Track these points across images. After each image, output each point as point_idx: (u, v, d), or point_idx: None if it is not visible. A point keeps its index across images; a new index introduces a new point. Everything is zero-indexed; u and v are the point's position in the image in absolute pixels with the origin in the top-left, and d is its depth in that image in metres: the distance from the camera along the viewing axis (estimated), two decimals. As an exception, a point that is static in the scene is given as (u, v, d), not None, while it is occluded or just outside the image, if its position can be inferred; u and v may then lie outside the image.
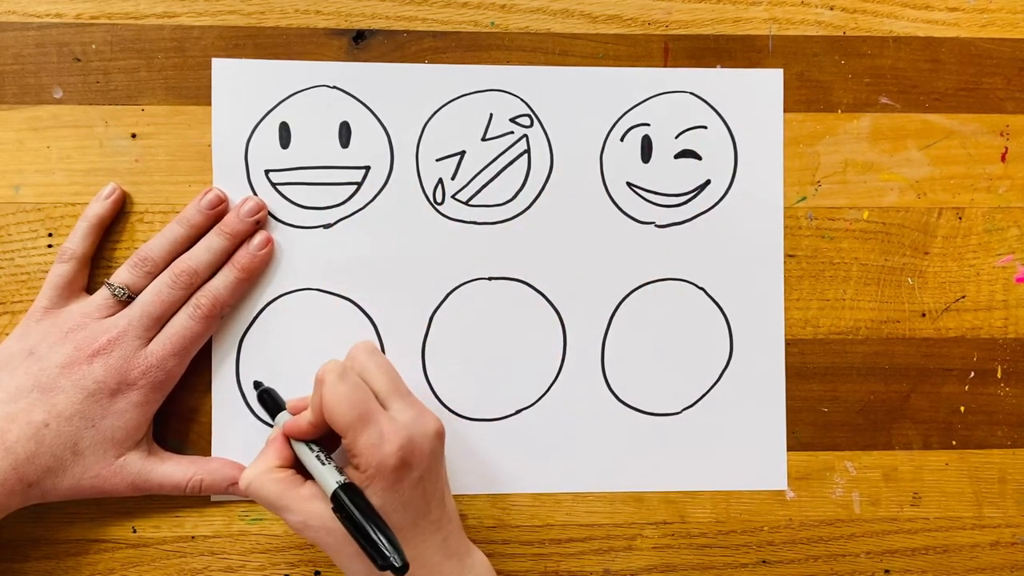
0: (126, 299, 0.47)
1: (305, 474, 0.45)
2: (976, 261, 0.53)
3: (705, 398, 0.52)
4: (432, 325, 0.51)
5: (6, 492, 0.44)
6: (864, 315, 0.53)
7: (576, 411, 0.52)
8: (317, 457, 0.45)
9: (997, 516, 0.53)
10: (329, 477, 0.43)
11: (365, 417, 0.43)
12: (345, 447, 0.44)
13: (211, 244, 0.49)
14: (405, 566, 0.40)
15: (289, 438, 0.46)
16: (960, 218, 0.53)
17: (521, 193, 0.52)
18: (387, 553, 0.40)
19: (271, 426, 0.51)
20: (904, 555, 0.53)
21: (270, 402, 0.49)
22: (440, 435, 0.46)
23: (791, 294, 0.53)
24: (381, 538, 0.41)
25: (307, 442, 0.46)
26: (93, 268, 0.50)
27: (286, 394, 0.50)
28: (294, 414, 0.47)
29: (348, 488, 0.43)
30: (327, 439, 0.46)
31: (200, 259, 0.48)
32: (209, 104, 0.50)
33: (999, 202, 0.53)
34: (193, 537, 0.50)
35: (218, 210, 0.49)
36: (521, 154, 0.52)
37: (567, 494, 0.52)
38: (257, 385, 0.50)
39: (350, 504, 0.42)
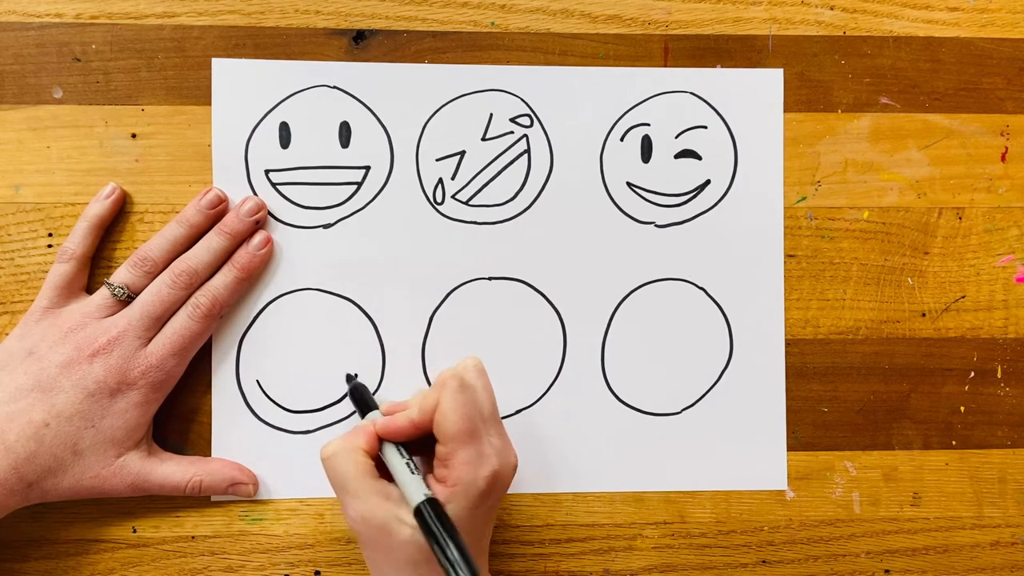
0: (126, 299, 0.47)
1: (382, 471, 0.45)
2: (976, 261, 0.53)
3: (705, 398, 0.52)
4: (432, 325, 0.51)
5: (6, 492, 0.44)
6: (864, 315, 0.53)
7: (576, 411, 0.52)
8: (408, 464, 0.44)
9: (997, 516, 0.53)
10: (417, 486, 0.43)
11: (473, 433, 0.43)
12: (440, 456, 0.43)
13: (211, 244, 0.49)
14: None
15: (382, 437, 0.45)
16: (960, 218, 0.53)
17: (521, 193, 0.52)
18: (466, 573, 0.40)
19: (272, 426, 0.51)
20: (904, 555, 0.53)
21: (361, 399, 0.48)
22: (515, 469, 0.45)
23: (791, 294, 0.53)
24: (462, 557, 0.40)
25: (398, 446, 0.45)
26: (93, 268, 0.50)
27: (286, 395, 0.50)
28: (387, 415, 0.46)
29: (433, 503, 0.42)
30: (412, 445, 0.46)
31: (200, 259, 0.48)
32: (209, 104, 0.50)
33: (999, 202, 0.53)
34: (193, 537, 0.50)
35: (218, 210, 0.49)
36: (521, 154, 0.52)
37: (567, 494, 0.52)
38: (349, 378, 0.50)
39: (436, 520, 0.41)
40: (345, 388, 0.51)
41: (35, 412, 0.45)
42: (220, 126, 0.50)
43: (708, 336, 0.52)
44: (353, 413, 0.51)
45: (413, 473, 0.43)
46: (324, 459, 0.44)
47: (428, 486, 0.43)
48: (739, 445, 0.52)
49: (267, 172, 0.51)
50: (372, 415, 0.47)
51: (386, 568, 0.43)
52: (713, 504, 0.52)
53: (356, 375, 0.50)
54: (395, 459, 0.44)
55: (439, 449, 0.44)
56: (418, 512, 0.42)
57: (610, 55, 0.52)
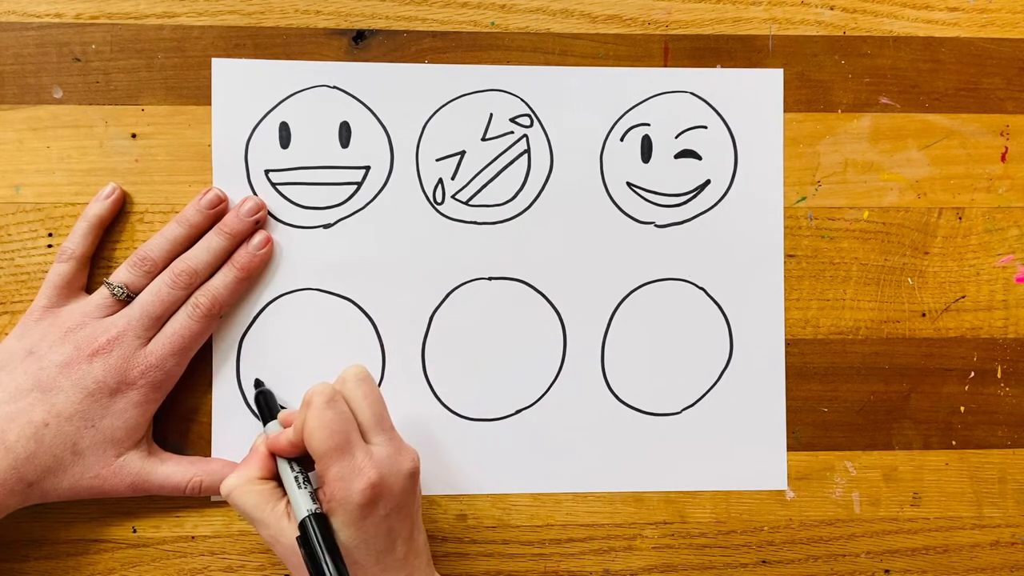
0: (125, 298, 0.47)
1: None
2: (976, 261, 0.53)
3: (705, 398, 0.52)
4: (432, 325, 0.51)
5: (6, 492, 0.44)
6: (864, 315, 0.53)
7: (576, 411, 0.52)
8: (295, 478, 0.44)
9: (997, 516, 0.53)
10: (302, 502, 0.43)
11: (342, 448, 0.43)
12: (318, 472, 0.44)
13: (211, 244, 0.49)
14: None
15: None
16: (960, 218, 0.53)
17: (521, 193, 0.52)
18: None
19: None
20: (904, 555, 0.53)
21: (265, 406, 0.49)
22: (415, 474, 0.45)
23: (791, 294, 0.53)
24: (331, 573, 0.40)
25: (290, 460, 0.45)
26: (93, 268, 0.50)
27: (286, 395, 0.50)
28: (284, 426, 0.47)
29: (318, 518, 0.42)
30: (307, 458, 0.46)
31: (200, 259, 0.48)
32: (209, 104, 0.50)
33: (999, 202, 0.53)
34: (193, 537, 0.50)
35: (218, 210, 0.49)
36: (521, 154, 0.52)
37: (567, 494, 0.52)
38: (258, 384, 0.50)
39: (314, 534, 0.41)
40: (254, 392, 0.51)
41: (35, 412, 0.45)
42: (220, 126, 0.50)
43: (708, 336, 0.52)
44: None
45: (300, 487, 0.44)
46: (225, 497, 0.45)
47: (317, 500, 0.43)
48: (739, 445, 0.52)
49: (267, 172, 0.51)
50: (270, 426, 0.47)
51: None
52: (713, 504, 0.52)
53: (263, 383, 0.50)
54: (286, 474, 0.45)
55: (316, 466, 0.44)
56: (302, 527, 0.42)
57: (610, 55, 0.52)
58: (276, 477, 0.46)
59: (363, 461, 0.43)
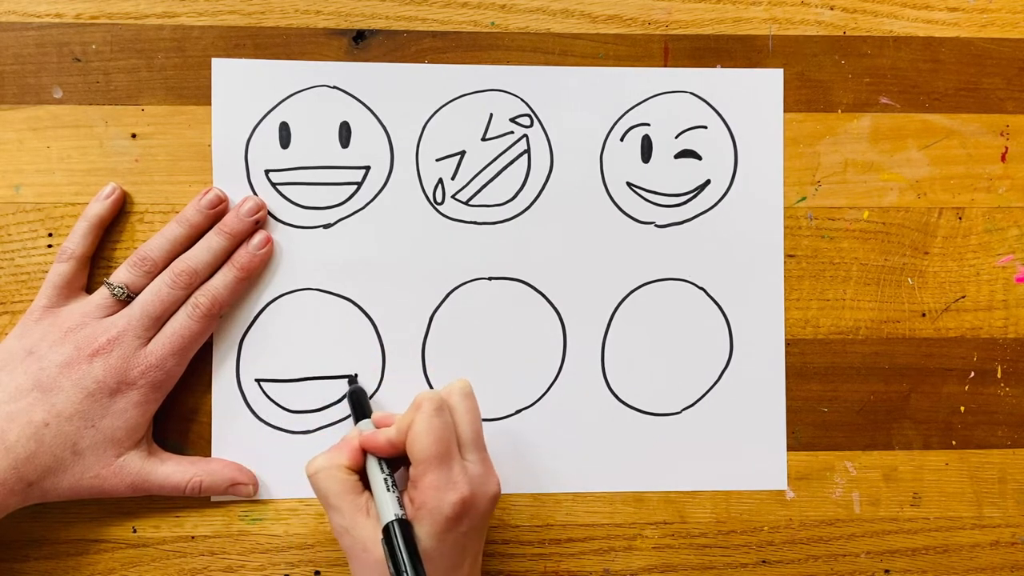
0: (125, 299, 0.47)
1: (367, 483, 0.45)
2: (976, 261, 0.53)
3: (705, 398, 0.52)
4: (432, 325, 0.51)
5: (6, 492, 0.44)
6: (864, 315, 0.53)
7: (576, 411, 0.52)
8: (385, 480, 0.44)
9: (997, 516, 0.53)
10: (389, 505, 0.43)
11: (442, 458, 0.43)
12: (411, 477, 0.44)
13: (211, 244, 0.49)
14: None
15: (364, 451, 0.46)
16: (960, 218, 0.53)
17: (521, 193, 0.52)
18: None
19: (272, 426, 0.51)
20: (904, 555, 0.53)
21: (358, 404, 0.48)
22: (496, 498, 0.45)
23: (791, 294, 0.53)
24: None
25: (380, 460, 0.45)
26: (93, 268, 0.50)
27: (286, 394, 0.50)
28: (378, 426, 0.47)
29: (403, 524, 0.42)
30: (396, 460, 0.46)
31: (200, 259, 0.48)
32: (209, 104, 0.50)
33: (999, 202, 0.53)
34: (193, 537, 0.50)
35: (218, 210, 0.49)
36: (521, 154, 0.52)
37: (567, 494, 0.52)
38: (352, 381, 0.50)
39: (400, 542, 0.41)
40: (346, 388, 0.51)
41: (35, 412, 0.45)
42: (220, 126, 0.50)
43: (708, 336, 0.52)
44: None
45: (389, 490, 0.44)
46: (309, 476, 0.45)
47: (403, 506, 0.43)
48: (739, 445, 0.52)
49: (267, 172, 0.51)
50: (363, 424, 0.47)
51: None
52: (713, 504, 0.52)
53: (357, 376, 0.50)
54: (375, 474, 0.44)
55: (411, 470, 0.44)
56: (386, 531, 0.42)
57: (610, 55, 0.52)
58: (360, 472, 0.45)
59: (459, 475, 0.43)
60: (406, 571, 0.41)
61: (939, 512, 0.53)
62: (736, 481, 0.52)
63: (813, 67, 0.53)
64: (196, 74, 0.50)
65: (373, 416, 0.48)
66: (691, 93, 0.52)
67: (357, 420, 0.48)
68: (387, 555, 0.42)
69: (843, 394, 0.53)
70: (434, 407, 0.43)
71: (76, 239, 0.48)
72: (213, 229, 0.49)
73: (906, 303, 0.53)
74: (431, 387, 0.51)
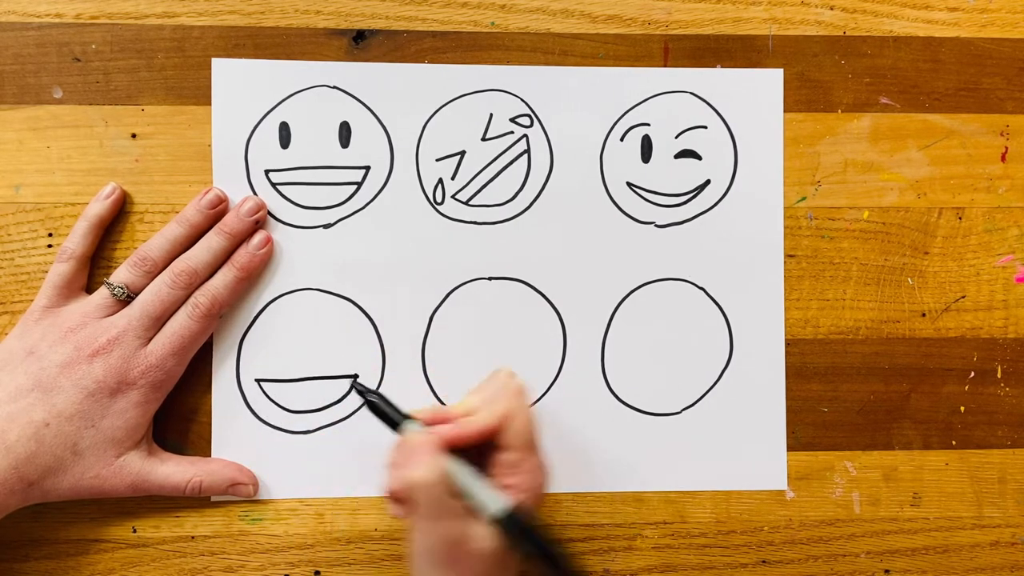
0: (125, 299, 0.47)
1: None
2: (976, 261, 0.53)
3: (705, 398, 0.52)
4: (432, 325, 0.51)
5: (7, 492, 0.44)
6: (864, 315, 0.53)
7: (576, 411, 0.52)
8: (478, 472, 0.43)
9: (997, 516, 0.53)
10: (496, 495, 0.42)
11: (537, 440, 0.44)
12: (506, 463, 0.42)
13: (211, 244, 0.49)
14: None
15: (449, 447, 0.43)
16: (960, 218, 0.53)
17: (521, 193, 0.52)
18: (577, 570, 0.41)
19: (272, 426, 0.51)
20: (904, 555, 0.53)
21: (383, 412, 0.44)
22: None
23: (791, 294, 0.53)
24: (564, 555, 0.41)
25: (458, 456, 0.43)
26: (93, 268, 0.50)
27: (286, 394, 0.50)
28: (434, 423, 0.43)
29: (517, 510, 0.42)
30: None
31: (200, 259, 0.48)
32: (209, 104, 0.50)
33: (999, 202, 0.53)
34: (193, 537, 0.50)
35: (218, 210, 0.49)
36: (521, 154, 0.52)
37: (567, 494, 0.52)
38: (362, 389, 0.45)
39: (529, 525, 0.41)
40: (344, 391, 0.51)
41: (35, 412, 0.45)
42: (220, 126, 0.50)
43: (708, 336, 0.52)
44: (353, 413, 0.51)
45: (484, 481, 0.42)
46: (420, 484, 0.41)
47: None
48: (739, 445, 0.52)
49: (267, 172, 0.51)
50: (409, 425, 0.44)
51: None
52: (713, 504, 0.52)
53: (358, 376, 0.50)
54: (462, 470, 0.42)
55: (505, 457, 0.42)
56: (501, 521, 0.41)
57: (610, 55, 0.52)
58: None
59: (544, 456, 0.44)
60: (550, 550, 0.41)
61: (939, 512, 0.53)
62: (736, 481, 0.52)
63: (813, 67, 0.53)
64: (196, 74, 0.50)
65: (421, 414, 0.44)
66: (691, 93, 0.52)
67: (395, 425, 0.44)
68: (517, 543, 0.41)
69: (843, 394, 0.53)
70: (521, 389, 0.44)
71: (76, 239, 0.48)
72: (213, 229, 0.49)
73: (906, 303, 0.53)
74: (431, 387, 0.51)
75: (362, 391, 0.45)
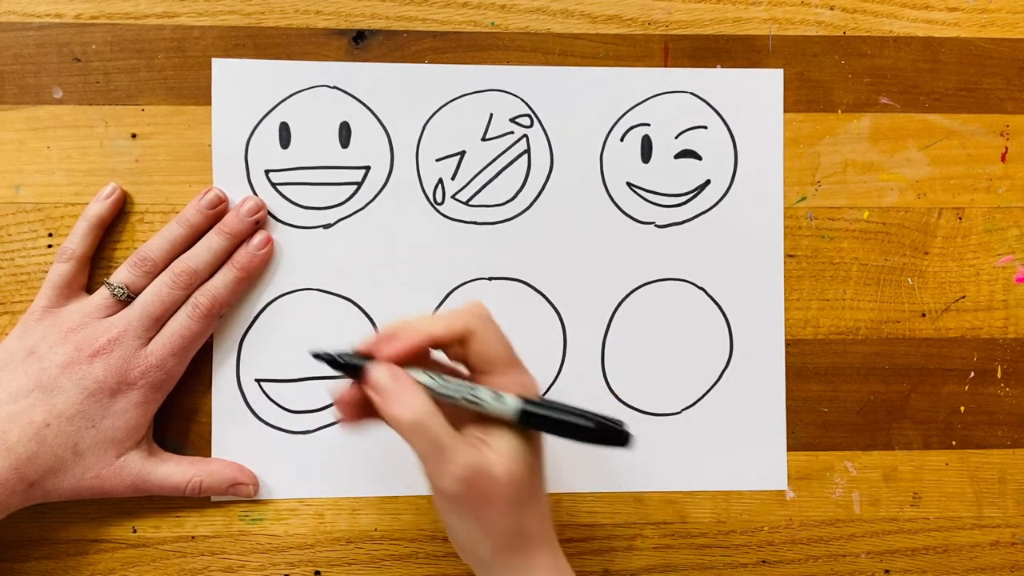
0: (126, 299, 0.47)
1: None
2: (976, 261, 0.53)
3: (705, 398, 0.52)
4: (432, 325, 0.51)
5: (7, 492, 0.44)
6: (864, 315, 0.53)
7: (576, 411, 0.52)
8: (471, 382, 0.40)
9: (997, 516, 0.53)
10: (497, 394, 0.39)
11: (516, 357, 0.41)
12: (495, 385, 0.40)
13: (211, 244, 0.49)
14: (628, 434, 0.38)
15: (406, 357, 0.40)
16: (960, 218, 0.53)
17: (521, 193, 0.52)
18: (615, 422, 0.38)
19: (272, 426, 0.51)
20: (904, 555, 0.53)
21: (347, 365, 0.41)
22: None
23: (791, 294, 0.53)
24: (596, 415, 0.38)
25: (429, 372, 0.40)
26: (93, 268, 0.50)
27: (286, 395, 0.50)
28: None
29: (527, 397, 0.39)
30: None
31: (200, 259, 0.48)
32: (209, 104, 0.50)
33: (999, 202, 0.53)
34: (193, 537, 0.50)
35: (218, 210, 0.49)
36: (521, 154, 0.52)
37: (567, 494, 0.52)
38: (315, 354, 0.41)
39: (545, 404, 0.39)
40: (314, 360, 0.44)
41: (36, 412, 0.45)
42: (220, 126, 0.50)
43: (708, 336, 0.52)
44: None
45: (483, 385, 0.40)
46: (413, 424, 0.38)
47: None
48: (739, 445, 0.52)
49: (267, 172, 0.51)
50: (373, 369, 0.40)
51: (494, 520, 0.39)
52: (713, 504, 0.52)
53: (316, 349, 0.42)
54: (453, 382, 0.40)
55: (492, 378, 0.40)
56: (527, 410, 0.39)
57: (610, 55, 0.52)
58: None
59: (528, 372, 0.41)
60: (578, 413, 0.39)
61: (939, 512, 0.53)
62: (736, 481, 0.52)
63: (813, 67, 0.53)
64: (196, 74, 0.50)
65: (365, 347, 0.41)
66: (691, 93, 0.52)
67: (357, 376, 0.41)
68: (544, 426, 0.39)
69: (843, 394, 0.53)
70: (487, 313, 0.41)
71: (76, 239, 0.48)
72: (213, 229, 0.49)
73: (906, 303, 0.53)
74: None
75: (315, 355, 0.41)
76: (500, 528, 0.40)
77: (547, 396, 0.52)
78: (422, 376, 0.40)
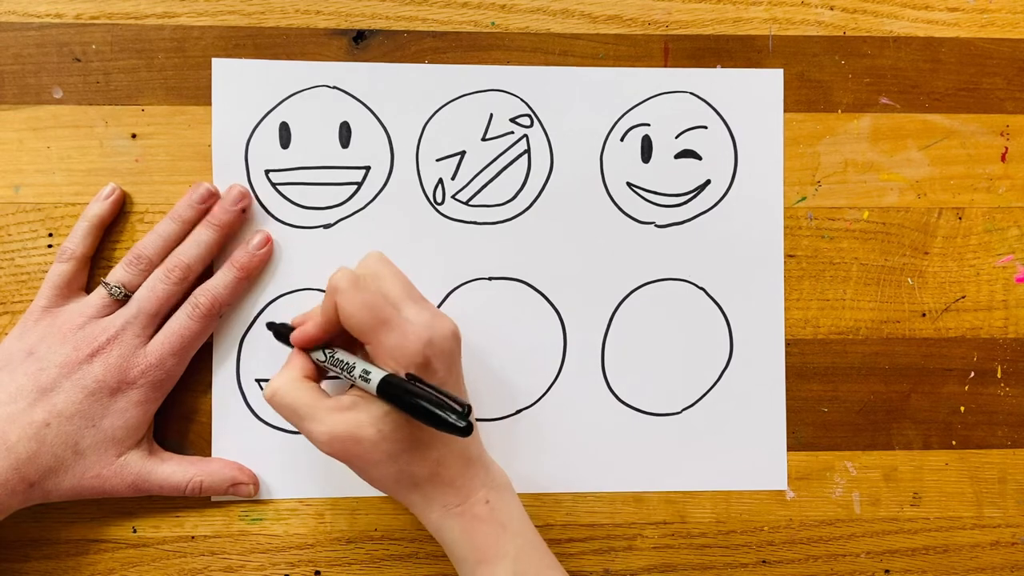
0: (123, 298, 0.47)
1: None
2: (976, 261, 0.53)
3: (705, 398, 0.52)
4: (432, 325, 0.51)
5: (8, 492, 0.44)
6: (864, 315, 0.53)
7: (576, 411, 0.52)
8: (340, 358, 0.44)
9: (997, 516, 0.53)
10: (371, 369, 0.43)
11: (386, 321, 0.43)
12: (369, 353, 0.44)
13: (199, 237, 0.49)
14: (468, 409, 0.40)
15: (309, 352, 0.46)
16: (960, 218, 0.53)
17: (521, 193, 0.52)
18: (460, 412, 0.40)
19: (272, 426, 0.51)
20: (904, 555, 0.53)
21: (279, 332, 0.48)
22: (457, 336, 0.45)
23: (791, 294, 0.53)
24: (445, 396, 0.41)
25: (333, 350, 0.45)
26: (93, 268, 0.50)
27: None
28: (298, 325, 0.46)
29: (391, 376, 0.42)
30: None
31: (190, 253, 0.48)
32: (209, 104, 0.50)
33: (999, 202, 0.53)
34: (193, 537, 0.50)
35: (209, 204, 0.49)
36: (521, 154, 0.52)
37: (567, 494, 0.52)
38: (272, 325, 0.49)
39: (405, 381, 0.42)
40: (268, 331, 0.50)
41: (36, 412, 0.45)
42: (220, 126, 0.50)
43: (708, 336, 0.52)
44: None
45: (356, 357, 0.44)
46: (269, 398, 0.44)
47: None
48: (739, 445, 0.52)
49: (267, 172, 0.51)
50: (294, 336, 0.46)
51: (374, 473, 0.44)
52: (713, 504, 0.52)
53: (274, 323, 0.50)
54: (333, 358, 0.45)
55: (366, 347, 0.44)
56: (383, 387, 0.42)
57: (610, 55, 0.52)
58: (317, 380, 0.46)
59: (408, 327, 0.43)
60: (434, 392, 0.41)
61: (939, 512, 0.53)
62: (736, 481, 0.52)
63: (813, 67, 0.53)
64: (196, 74, 0.50)
65: (292, 321, 0.47)
66: (691, 93, 0.52)
67: (289, 344, 0.47)
68: (402, 402, 0.41)
69: (843, 394, 0.53)
70: (350, 283, 0.43)
71: (76, 239, 0.48)
72: (201, 222, 0.49)
73: (906, 303, 0.53)
74: (431, 387, 0.51)
75: (267, 324, 0.49)
76: (383, 476, 0.44)
77: (547, 391, 0.52)
78: (319, 354, 0.46)
